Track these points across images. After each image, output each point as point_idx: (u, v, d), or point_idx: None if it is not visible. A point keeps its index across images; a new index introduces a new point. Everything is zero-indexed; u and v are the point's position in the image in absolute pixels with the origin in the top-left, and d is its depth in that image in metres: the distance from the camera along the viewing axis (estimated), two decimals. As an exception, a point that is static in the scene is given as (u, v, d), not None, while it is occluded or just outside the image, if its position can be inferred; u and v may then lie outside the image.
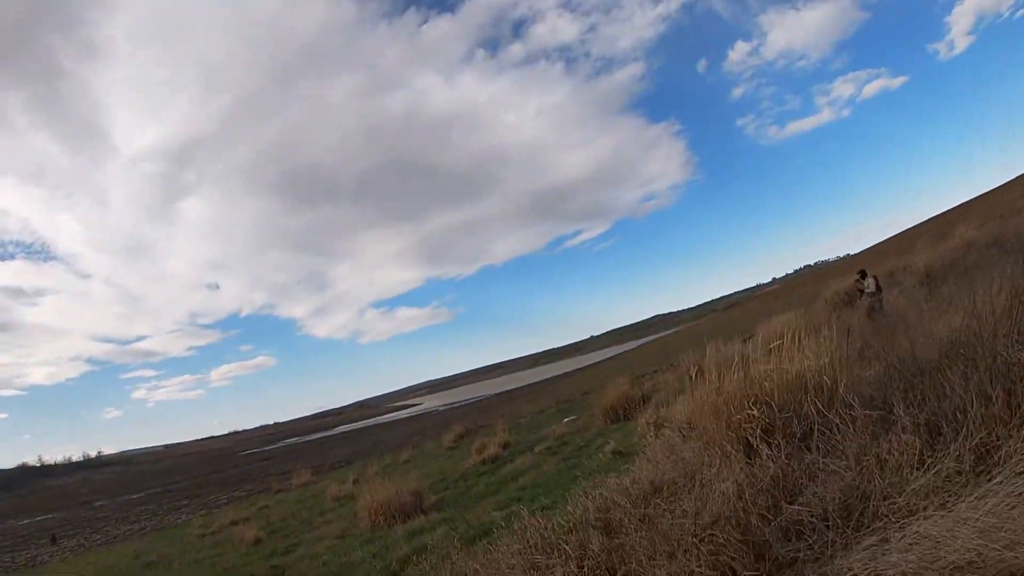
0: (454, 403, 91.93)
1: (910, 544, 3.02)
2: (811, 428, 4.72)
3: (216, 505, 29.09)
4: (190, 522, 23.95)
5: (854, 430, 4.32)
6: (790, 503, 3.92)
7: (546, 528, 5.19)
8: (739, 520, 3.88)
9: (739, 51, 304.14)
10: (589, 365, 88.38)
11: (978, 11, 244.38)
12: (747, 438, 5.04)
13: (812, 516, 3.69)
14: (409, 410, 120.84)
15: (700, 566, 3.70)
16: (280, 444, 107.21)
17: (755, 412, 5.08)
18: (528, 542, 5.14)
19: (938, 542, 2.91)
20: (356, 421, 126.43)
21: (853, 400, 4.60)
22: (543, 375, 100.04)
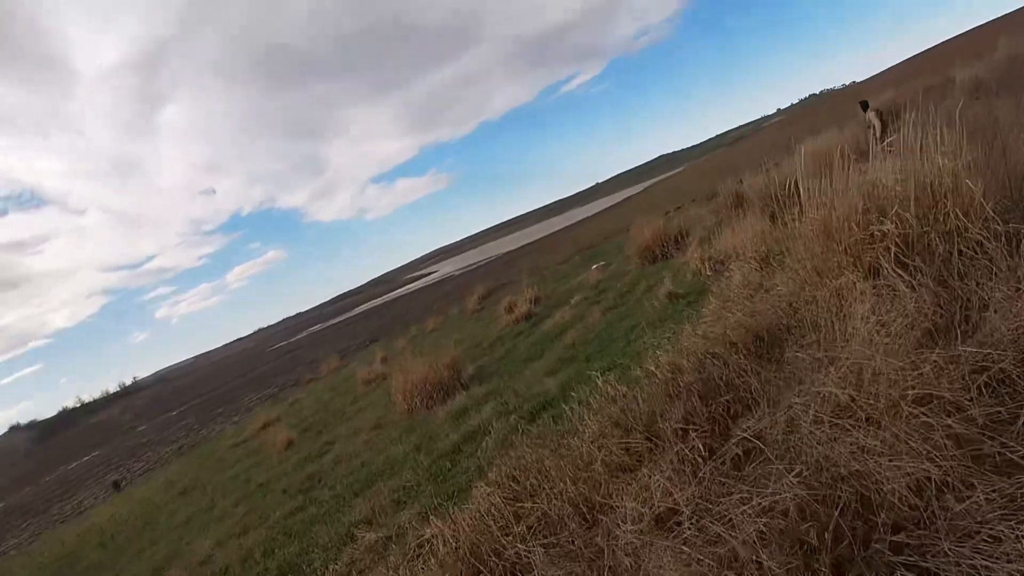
0: (470, 266, 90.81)
1: None
2: (952, 247, 3.64)
3: (249, 408, 29.03)
4: (224, 432, 23.74)
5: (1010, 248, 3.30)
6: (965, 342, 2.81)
7: (634, 399, 4.01)
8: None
9: None
10: (601, 211, 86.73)
11: None
12: (874, 262, 3.88)
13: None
14: (426, 279, 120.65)
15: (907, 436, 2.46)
16: (304, 333, 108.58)
17: (889, 227, 3.84)
18: (612, 419, 3.99)
19: None
20: (376, 298, 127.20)
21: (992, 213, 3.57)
22: (555, 227, 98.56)
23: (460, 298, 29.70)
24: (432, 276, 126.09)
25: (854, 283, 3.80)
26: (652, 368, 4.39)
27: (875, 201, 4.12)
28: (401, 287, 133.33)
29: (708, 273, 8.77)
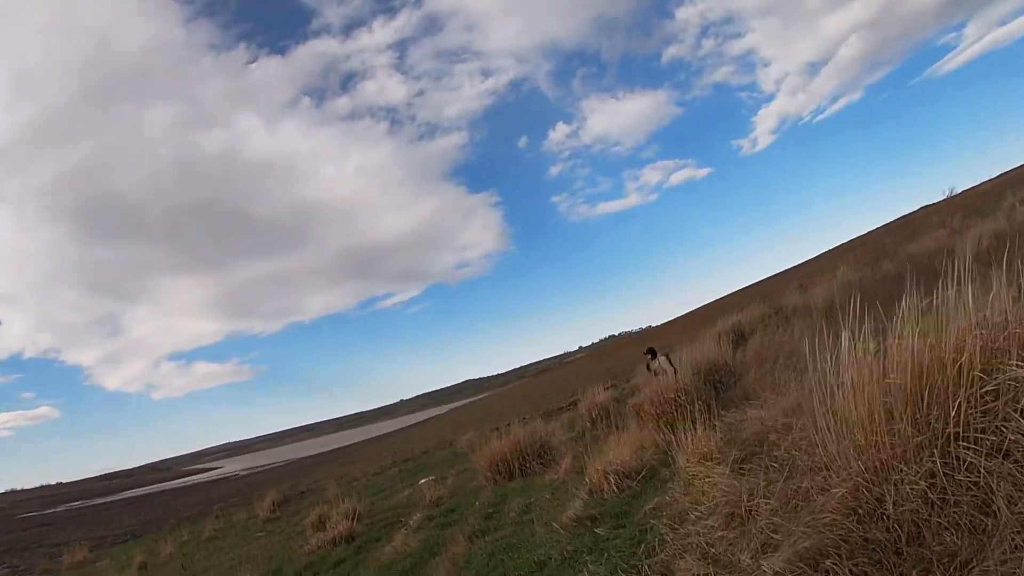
0: (259, 467, 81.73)
1: None
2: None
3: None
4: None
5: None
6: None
7: None
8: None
9: (560, 132, 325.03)
10: (408, 426, 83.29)
11: (781, 114, 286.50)
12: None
13: None
14: (208, 474, 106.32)
15: None
16: (62, 507, 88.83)
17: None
18: None
19: None
20: (147, 485, 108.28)
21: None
22: (353, 438, 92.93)
23: (248, 502, 24.74)
24: (215, 471, 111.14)
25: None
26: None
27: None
28: (178, 478, 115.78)
29: (613, 490, 6.83)
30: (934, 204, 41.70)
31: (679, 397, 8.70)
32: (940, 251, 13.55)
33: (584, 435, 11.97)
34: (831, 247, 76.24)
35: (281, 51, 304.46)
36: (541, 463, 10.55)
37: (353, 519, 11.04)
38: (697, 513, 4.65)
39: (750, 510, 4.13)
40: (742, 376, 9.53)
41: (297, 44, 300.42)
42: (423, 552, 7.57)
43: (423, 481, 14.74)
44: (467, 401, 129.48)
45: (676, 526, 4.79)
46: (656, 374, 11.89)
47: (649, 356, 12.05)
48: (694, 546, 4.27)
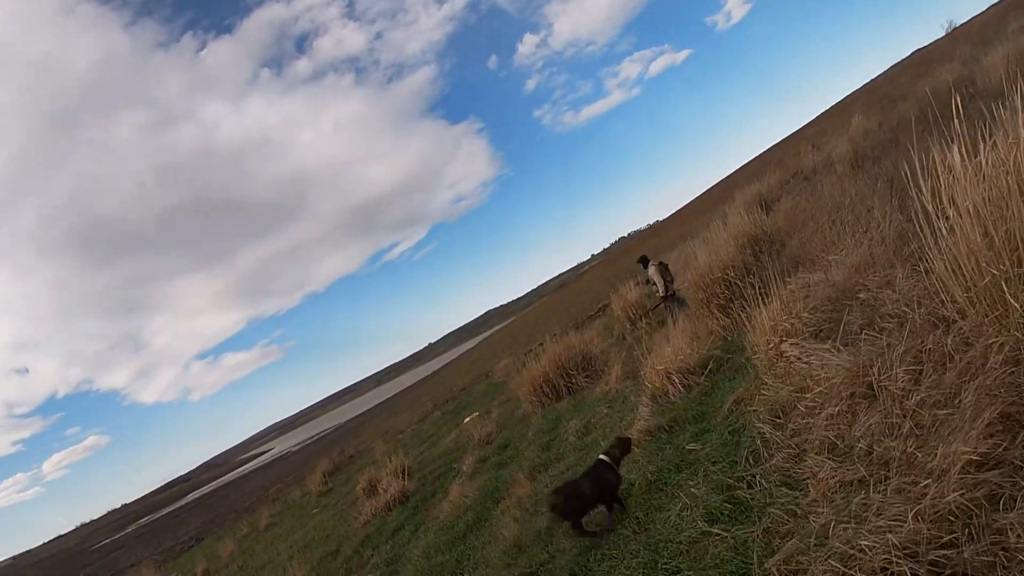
0: (310, 439, 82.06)
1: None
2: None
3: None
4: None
5: None
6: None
7: None
8: None
9: (528, 44, 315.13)
10: (444, 366, 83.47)
11: None
12: None
13: None
14: (261, 458, 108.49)
15: None
16: (132, 527, 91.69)
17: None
18: None
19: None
20: (205, 484, 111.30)
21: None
22: (398, 388, 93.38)
23: (301, 477, 24.34)
24: (268, 454, 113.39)
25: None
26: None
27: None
28: (235, 469, 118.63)
29: (679, 391, 5.94)
30: (935, 41, 38.78)
31: (727, 275, 7.73)
32: (960, 82, 12.09)
33: (625, 338, 11.10)
34: (831, 105, 72.66)
35: (228, 29, 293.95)
36: (587, 376, 9.77)
37: (404, 477, 10.35)
38: (806, 402, 3.69)
39: (884, 386, 3.16)
40: (784, 245, 8.47)
41: (242, 19, 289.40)
42: (484, 501, 6.74)
43: (467, 419, 14.09)
44: (494, 330, 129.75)
45: (780, 421, 3.86)
46: (649, 283, 10.81)
47: (641, 264, 10.89)
48: (817, 442, 3.33)
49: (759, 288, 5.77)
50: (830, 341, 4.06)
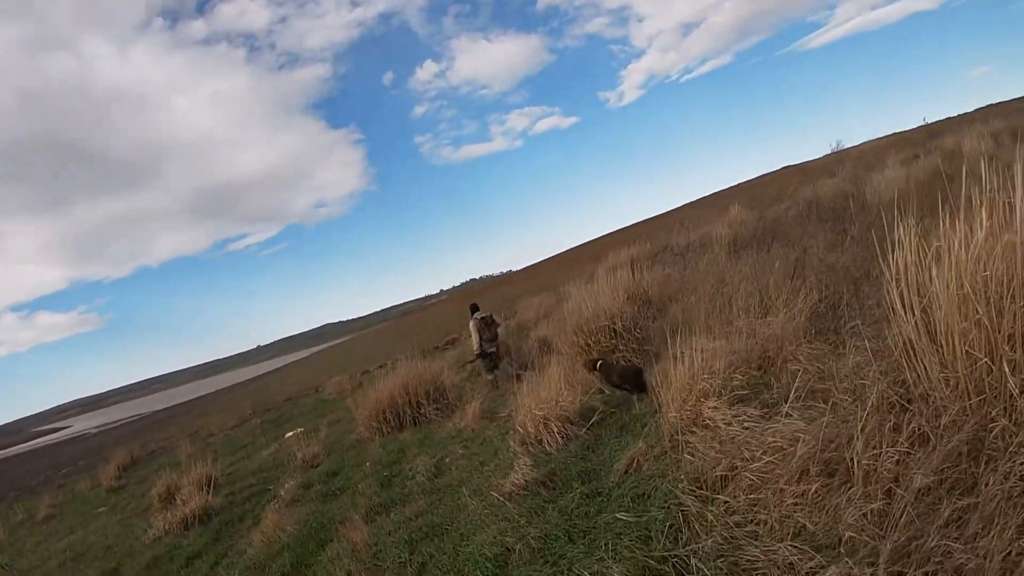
0: (112, 423, 73.07)
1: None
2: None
3: None
4: None
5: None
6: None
7: None
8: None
9: (427, 70, 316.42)
10: (269, 372, 78.24)
11: (651, 70, 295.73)
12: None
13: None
14: (57, 434, 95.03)
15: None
16: None
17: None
18: None
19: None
20: None
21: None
22: (213, 387, 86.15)
23: (94, 465, 21.43)
24: (66, 431, 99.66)
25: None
26: None
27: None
28: (27, 440, 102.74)
29: (558, 442, 5.20)
30: (818, 159, 42.09)
31: (614, 324, 7.24)
32: (843, 194, 12.69)
33: (480, 375, 10.32)
34: (706, 195, 78.18)
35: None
36: (438, 409, 8.92)
37: (209, 490, 8.79)
38: (751, 475, 3.04)
39: (872, 468, 2.57)
40: (661, 310, 8.14)
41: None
42: (306, 541, 5.51)
43: (290, 434, 12.65)
44: (329, 344, 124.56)
45: (706, 493, 3.20)
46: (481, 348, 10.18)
47: (470, 311, 10.37)
48: (776, 526, 2.67)
49: (642, 344, 5.25)
50: (763, 408, 3.51)
